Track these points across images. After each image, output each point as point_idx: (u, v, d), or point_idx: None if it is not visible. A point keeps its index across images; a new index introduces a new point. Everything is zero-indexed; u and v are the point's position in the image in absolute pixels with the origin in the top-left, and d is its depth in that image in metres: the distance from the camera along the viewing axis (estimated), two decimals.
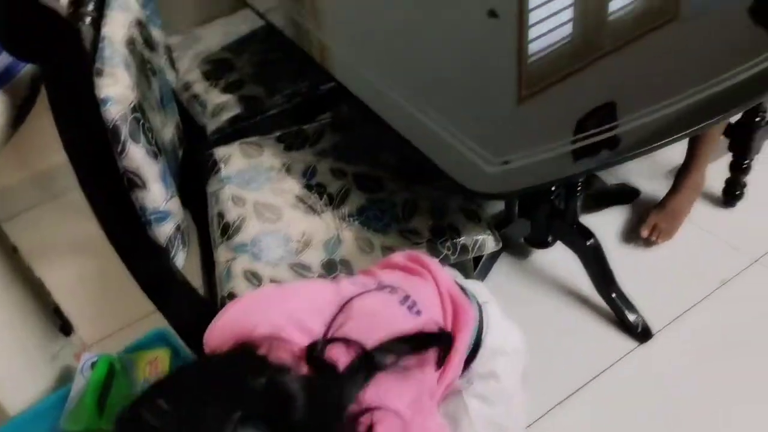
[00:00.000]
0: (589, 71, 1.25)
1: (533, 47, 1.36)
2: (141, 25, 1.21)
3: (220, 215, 1.34)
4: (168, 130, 1.24)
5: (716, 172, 1.85)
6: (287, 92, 1.63)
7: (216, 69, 1.71)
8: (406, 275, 0.94)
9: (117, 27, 1.09)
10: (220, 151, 1.47)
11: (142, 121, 1.01)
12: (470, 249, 1.25)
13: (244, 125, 1.57)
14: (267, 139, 1.49)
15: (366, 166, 1.40)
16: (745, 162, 1.75)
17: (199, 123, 1.60)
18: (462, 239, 1.24)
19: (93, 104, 0.93)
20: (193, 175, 1.42)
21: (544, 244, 1.78)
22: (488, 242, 1.26)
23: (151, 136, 1.05)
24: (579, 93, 1.21)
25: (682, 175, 1.78)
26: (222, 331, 0.83)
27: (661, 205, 1.80)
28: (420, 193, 1.32)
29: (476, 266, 1.65)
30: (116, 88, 0.97)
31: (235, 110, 1.60)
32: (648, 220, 1.77)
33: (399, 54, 1.38)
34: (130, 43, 1.10)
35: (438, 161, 1.09)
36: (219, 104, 1.61)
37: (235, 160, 1.45)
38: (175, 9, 2.18)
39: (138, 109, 1.01)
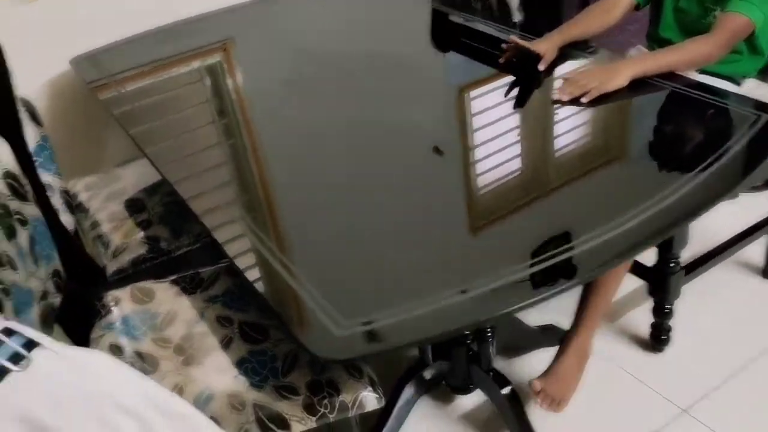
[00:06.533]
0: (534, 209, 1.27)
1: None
2: (12, 176, 1.21)
3: None
4: (35, 279, 1.20)
5: (642, 316, 1.80)
6: (192, 234, 1.61)
7: (126, 209, 1.70)
8: None
9: None
10: (111, 295, 1.43)
11: None
12: (350, 407, 1.18)
13: (144, 267, 1.55)
14: (161, 282, 1.46)
15: (254, 312, 1.36)
16: (667, 307, 1.70)
17: (100, 264, 1.57)
18: (341, 397, 1.18)
19: None
20: (84, 320, 1.38)
21: (464, 390, 1.70)
22: (369, 400, 1.19)
23: None
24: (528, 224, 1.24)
25: (567, 339, 1.63)
26: None
27: (547, 370, 1.63)
28: None
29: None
30: None
31: (138, 251, 1.57)
32: (533, 386, 1.59)
33: (346, 193, 1.38)
34: None
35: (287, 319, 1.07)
36: (122, 245, 1.59)
37: (124, 305, 1.41)
38: (97, 149, 2.21)
39: None
